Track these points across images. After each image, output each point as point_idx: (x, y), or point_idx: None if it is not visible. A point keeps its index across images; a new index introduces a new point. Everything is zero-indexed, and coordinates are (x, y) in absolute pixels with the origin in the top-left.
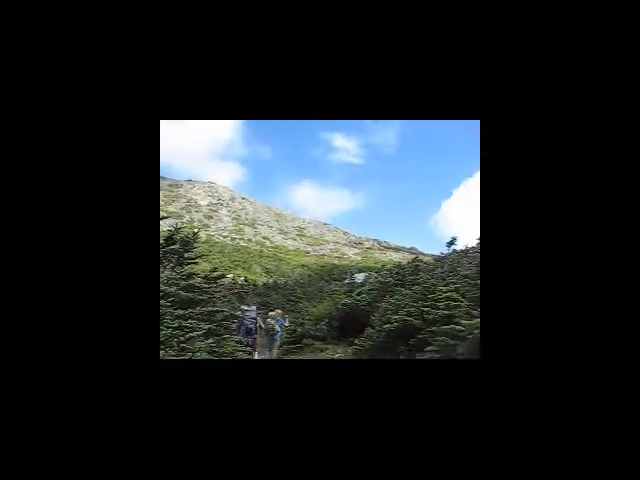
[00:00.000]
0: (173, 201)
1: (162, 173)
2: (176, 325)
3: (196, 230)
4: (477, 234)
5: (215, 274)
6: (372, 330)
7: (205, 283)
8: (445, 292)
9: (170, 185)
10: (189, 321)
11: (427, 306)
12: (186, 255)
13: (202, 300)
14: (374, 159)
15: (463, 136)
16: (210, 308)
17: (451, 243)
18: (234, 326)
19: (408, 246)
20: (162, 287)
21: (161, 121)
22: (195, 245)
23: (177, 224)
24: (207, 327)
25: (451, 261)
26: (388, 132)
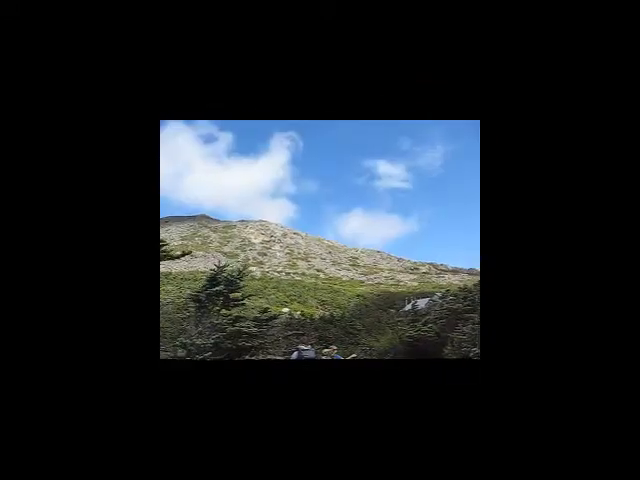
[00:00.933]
0: (228, 242)
1: (216, 215)
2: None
3: (241, 267)
4: None
5: (266, 315)
6: None
7: (255, 326)
8: None
9: (224, 227)
10: None
11: None
12: (232, 296)
13: (252, 347)
14: (422, 182)
15: None
16: (261, 357)
17: None
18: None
19: (466, 267)
20: (204, 338)
21: (215, 168)
22: (241, 284)
23: (220, 262)
24: None
25: None
26: (434, 153)
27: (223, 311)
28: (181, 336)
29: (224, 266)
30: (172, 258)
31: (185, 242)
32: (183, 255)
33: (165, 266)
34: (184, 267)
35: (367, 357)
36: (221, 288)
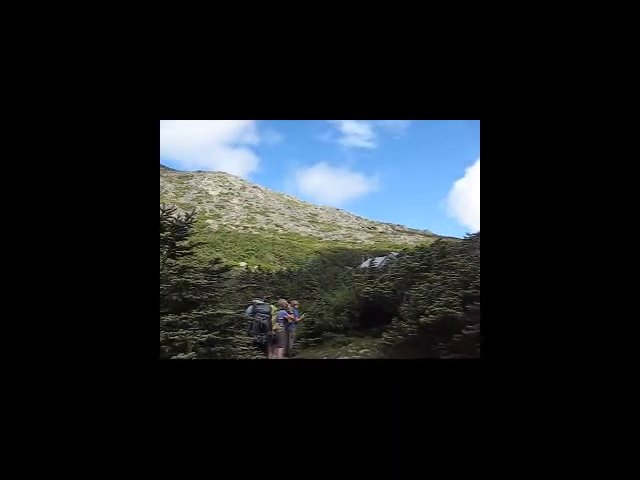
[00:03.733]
0: (184, 193)
1: (170, 165)
2: (162, 339)
3: (189, 212)
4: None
5: (218, 266)
6: (403, 323)
7: (205, 278)
8: None
9: (180, 177)
10: (180, 331)
11: (469, 295)
12: (178, 244)
13: (201, 300)
14: (386, 143)
15: None
16: (210, 311)
17: None
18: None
19: (422, 229)
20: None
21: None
22: (189, 231)
23: (164, 205)
24: (206, 336)
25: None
26: None
27: (168, 260)
28: None
29: (170, 209)
30: None
31: None
32: None
33: None
34: None
35: (322, 312)
36: (167, 235)
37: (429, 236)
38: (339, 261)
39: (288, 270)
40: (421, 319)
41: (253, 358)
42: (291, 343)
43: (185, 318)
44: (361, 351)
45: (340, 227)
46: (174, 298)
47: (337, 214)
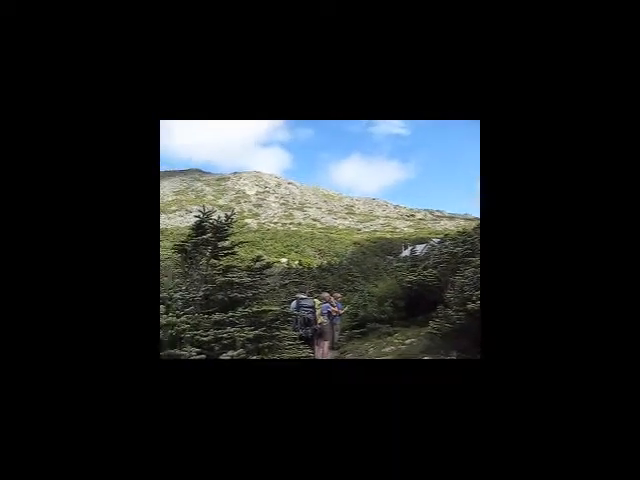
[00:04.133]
0: (222, 194)
1: (208, 168)
2: (211, 337)
3: (229, 212)
4: None
5: (259, 264)
6: (450, 311)
7: (248, 276)
8: None
9: (218, 179)
10: (228, 329)
11: None
12: (220, 245)
13: (246, 298)
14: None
15: None
16: (256, 308)
17: None
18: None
19: (461, 213)
20: (194, 288)
21: (194, 121)
22: (230, 231)
23: (204, 208)
24: (253, 333)
25: None
26: None
27: (212, 261)
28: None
29: (209, 212)
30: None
31: (179, 197)
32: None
33: (160, 222)
34: (179, 222)
35: (366, 303)
36: (208, 236)
37: (470, 219)
38: (379, 251)
39: (328, 263)
40: (468, 305)
41: (299, 353)
42: (336, 336)
43: (232, 316)
44: (407, 341)
45: (378, 217)
46: (220, 297)
47: (374, 204)
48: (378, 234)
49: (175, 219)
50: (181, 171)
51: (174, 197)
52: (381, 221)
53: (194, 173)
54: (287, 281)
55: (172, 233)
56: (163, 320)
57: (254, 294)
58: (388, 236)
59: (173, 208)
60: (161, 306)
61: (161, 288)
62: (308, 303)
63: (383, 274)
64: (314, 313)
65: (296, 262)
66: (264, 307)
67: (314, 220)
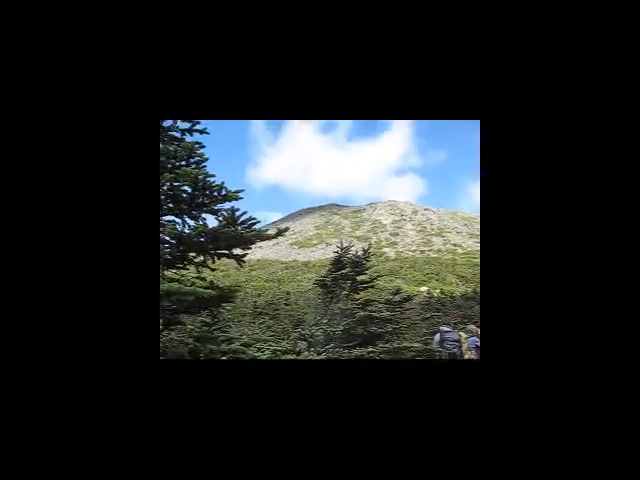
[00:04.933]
0: (359, 226)
1: (344, 202)
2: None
3: (366, 246)
4: None
5: (399, 296)
6: None
7: (387, 310)
8: None
9: (354, 212)
10: None
11: None
12: (359, 278)
13: (386, 333)
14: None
15: None
16: (397, 344)
17: None
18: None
19: None
20: (332, 323)
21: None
22: (368, 264)
23: (342, 242)
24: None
25: None
26: None
27: (351, 295)
28: (299, 327)
29: (348, 247)
30: (267, 238)
31: (319, 231)
32: (279, 233)
33: (304, 255)
34: (320, 255)
35: None
36: (347, 271)
37: None
38: None
39: (474, 291)
40: None
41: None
42: None
43: (372, 352)
44: None
45: None
46: (360, 331)
47: None
48: None
49: (316, 252)
50: (320, 207)
51: (315, 231)
52: None
53: (331, 207)
54: (429, 314)
55: (314, 266)
56: (302, 357)
57: (394, 329)
58: None
59: (314, 242)
60: (302, 342)
61: (303, 324)
62: (453, 336)
63: None
64: (460, 348)
65: (437, 291)
66: (405, 343)
67: (455, 245)
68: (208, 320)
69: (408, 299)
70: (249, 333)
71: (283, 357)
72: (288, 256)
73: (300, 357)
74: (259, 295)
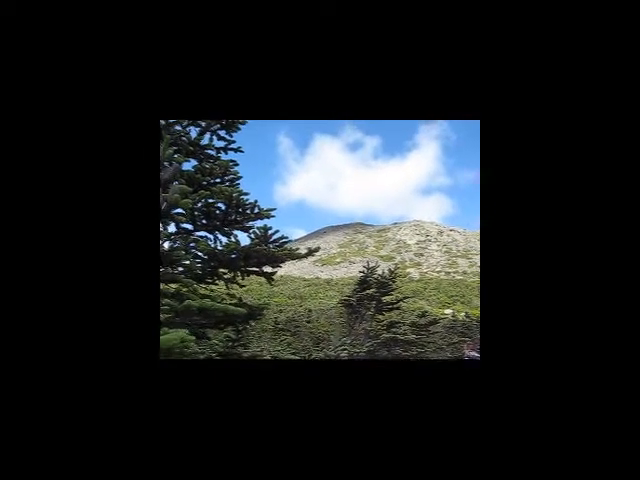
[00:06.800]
0: (383, 245)
1: (369, 220)
2: None
3: (392, 267)
4: None
5: (425, 319)
6: None
7: (413, 333)
8: None
9: (379, 231)
10: None
11: None
12: (384, 299)
13: (410, 356)
14: None
15: None
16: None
17: None
18: None
19: None
20: (352, 346)
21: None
22: (394, 286)
23: (368, 263)
24: None
25: None
26: None
27: (376, 316)
28: (321, 345)
29: (374, 267)
30: (298, 257)
31: (343, 249)
32: (310, 253)
33: (326, 273)
34: (344, 273)
35: None
36: (372, 291)
37: None
38: None
39: None
40: None
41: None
42: None
43: None
44: None
45: None
46: (384, 354)
47: None
48: None
49: (340, 270)
50: (345, 225)
51: (338, 250)
52: None
53: (356, 226)
54: (455, 339)
55: (337, 283)
56: None
57: (419, 352)
58: None
59: (338, 260)
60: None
61: (327, 344)
62: None
63: None
64: None
65: (462, 314)
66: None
67: None
68: (232, 335)
69: (434, 322)
70: (270, 349)
71: None
72: (311, 273)
73: None
74: (280, 311)
